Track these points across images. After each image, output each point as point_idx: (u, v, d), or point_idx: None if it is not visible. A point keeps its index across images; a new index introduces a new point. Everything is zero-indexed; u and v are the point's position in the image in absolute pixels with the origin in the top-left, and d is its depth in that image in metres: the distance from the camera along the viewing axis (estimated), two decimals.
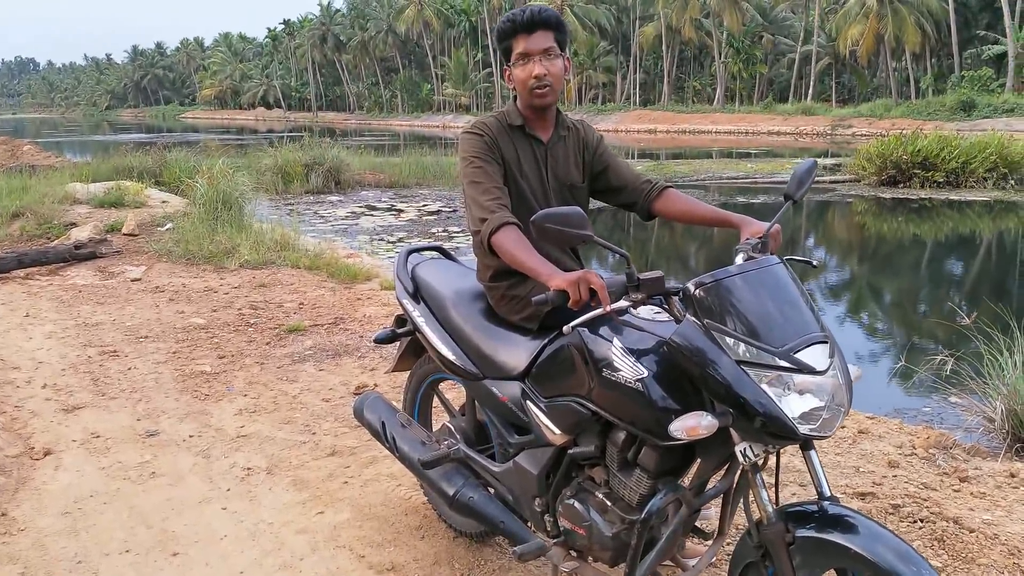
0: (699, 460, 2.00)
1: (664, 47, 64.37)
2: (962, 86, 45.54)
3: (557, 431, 2.13)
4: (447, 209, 14.76)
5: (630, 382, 1.88)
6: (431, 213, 14.43)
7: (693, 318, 1.79)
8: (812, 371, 1.70)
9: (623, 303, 1.85)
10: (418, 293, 2.71)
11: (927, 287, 9.87)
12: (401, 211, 14.68)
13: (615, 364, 1.92)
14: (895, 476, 3.29)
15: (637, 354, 1.90)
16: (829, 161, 25.78)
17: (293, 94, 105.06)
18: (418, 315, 2.65)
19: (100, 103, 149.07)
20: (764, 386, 1.69)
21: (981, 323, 4.09)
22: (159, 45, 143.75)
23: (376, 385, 4.45)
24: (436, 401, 3.07)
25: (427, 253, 2.98)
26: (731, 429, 1.77)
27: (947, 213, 14.82)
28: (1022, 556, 2.68)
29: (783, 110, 54.95)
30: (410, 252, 2.91)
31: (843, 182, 18.57)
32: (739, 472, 1.97)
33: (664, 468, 1.97)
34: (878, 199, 16.21)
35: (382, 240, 11.64)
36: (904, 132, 19.39)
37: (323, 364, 4.90)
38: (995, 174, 16.89)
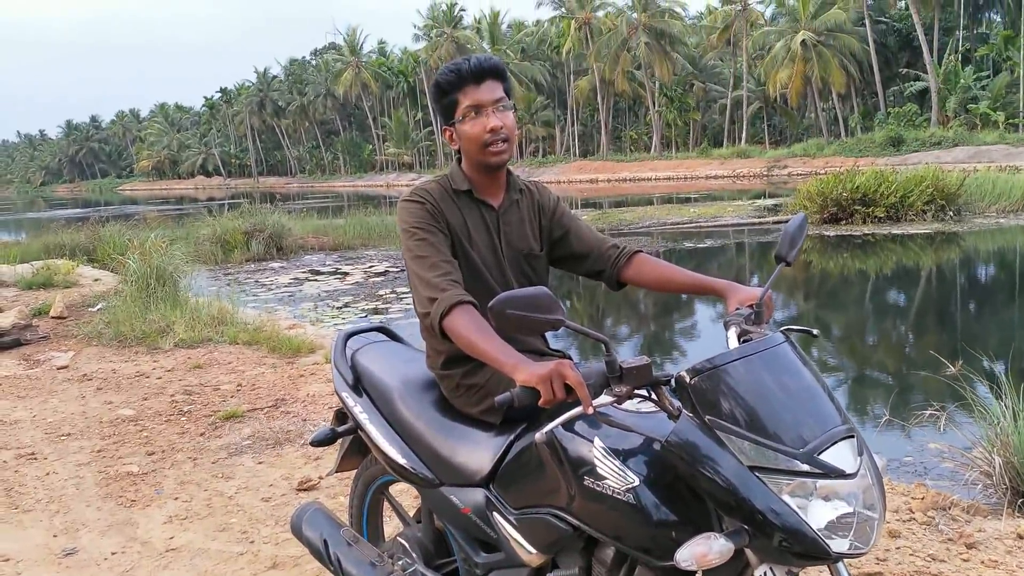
0: None
1: (599, 99, 65.54)
2: (889, 122, 47.11)
3: (532, 550, 1.79)
4: (394, 269, 14.40)
5: (619, 493, 1.56)
6: (378, 274, 14.04)
7: (691, 414, 1.48)
8: (841, 474, 1.40)
9: (605, 398, 1.54)
10: (359, 384, 2.36)
11: (894, 328, 9.70)
12: (347, 274, 14.26)
13: (598, 470, 1.60)
14: (899, 548, 3.01)
15: (624, 457, 1.59)
16: (770, 202, 26.15)
17: (233, 161, 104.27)
18: (360, 411, 2.29)
19: (34, 179, 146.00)
20: (785, 496, 1.38)
21: (967, 370, 3.87)
22: (94, 118, 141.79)
23: (321, 478, 4.04)
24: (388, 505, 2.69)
25: (369, 335, 2.62)
26: (747, 550, 1.46)
27: (891, 247, 14.94)
28: None
29: (719, 154, 56.22)
30: (349, 336, 2.56)
31: (786, 222, 18.68)
32: None
33: None
34: (822, 237, 16.30)
35: (327, 306, 11.21)
36: (839, 169, 19.70)
37: (262, 455, 4.47)
38: (933, 206, 17.17)
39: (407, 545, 2.31)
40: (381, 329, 2.65)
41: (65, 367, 6.87)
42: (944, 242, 15.16)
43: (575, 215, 2.29)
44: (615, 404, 1.58)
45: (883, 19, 53.60)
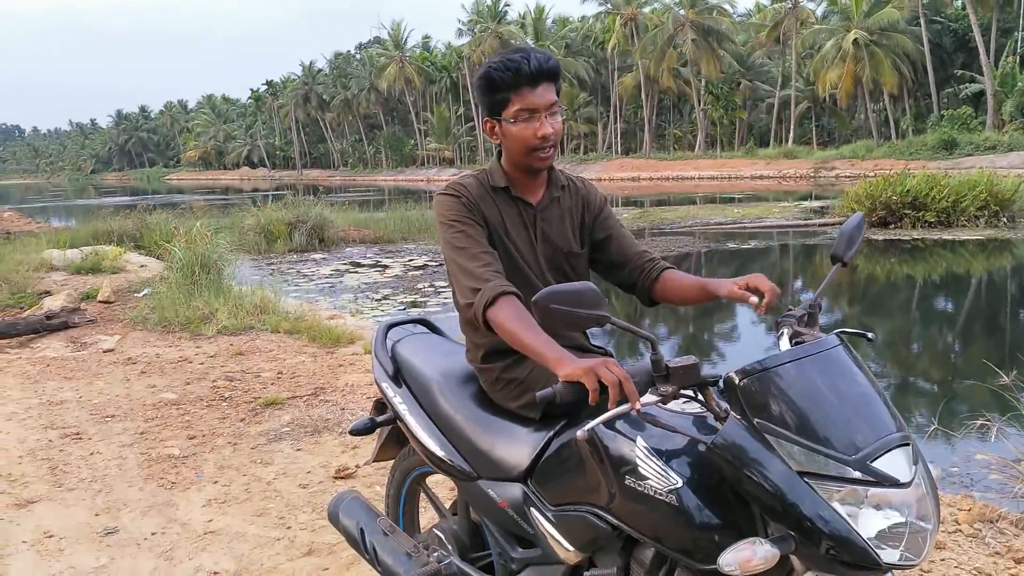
0: None
1: (644, 96, 64.97)
2: (942, 125, 45.96)
3: (569, 547, 1.76)
4: (433, 264, 14.47)
5: (661, 494, 1.53)
6: (417, 268, 14.13)
7: (739, 416, 1.45)
8: (894, 483, 1.35)
9: (650, 397, 1.51)
10: (399, 375, 2.35)
11: (943, 336, 9.45)
12: (386, 267, 14.37)
13: (640, 470, 1.57)
14: (943, 560, 2.93)
15: (667, 457, 1.55)
16: (816, 204, 25.74)
17: (277, 153, 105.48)
18: (400, 401, 2.29)
19: (85, 167, 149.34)
20: (835, 504, 1.34)
21: (1019, 380, 3.75)
22: (143, 109, 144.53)
23: (358, 467, 4.06)
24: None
25: (409, 326, 2.62)
26: (792, 556, 1.42)
27: (942, 253, 14.60)
28: None
29: (765, 154, 55.35)
30: (390, 327, 2.56)
31: (833, 224, 18.43)
32: None
33: None
34: (870, 241, 15.98)
35: (367, 298, 11.29)
36: (889, 172, 19.29)
37: (301, 442, 4.51)
38: (987, 212, 16.73)
39: (443, 537, 2.30)
40: (422, 321, 2.65)
41: (111, 350, 7.00)
42: (997, 249, 14.77)
43: (619, 221, 2.24)
44: (660, 404, 1.55)
45: (939, 19, 52.29)
